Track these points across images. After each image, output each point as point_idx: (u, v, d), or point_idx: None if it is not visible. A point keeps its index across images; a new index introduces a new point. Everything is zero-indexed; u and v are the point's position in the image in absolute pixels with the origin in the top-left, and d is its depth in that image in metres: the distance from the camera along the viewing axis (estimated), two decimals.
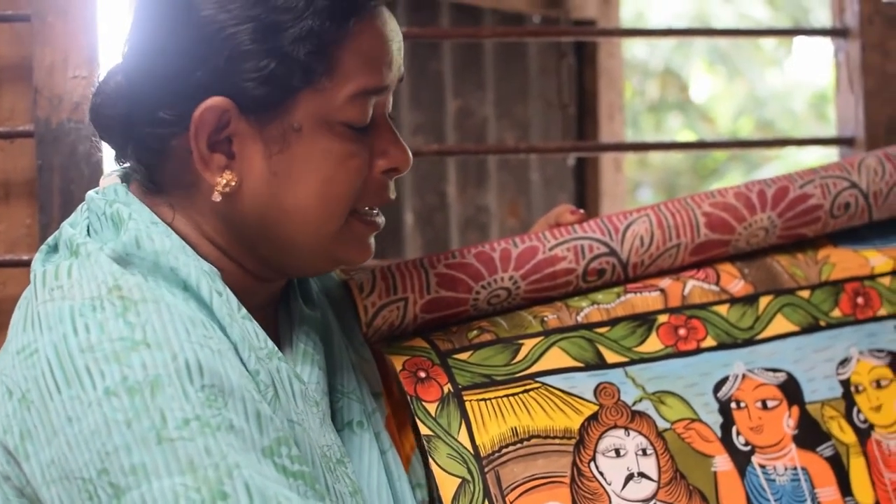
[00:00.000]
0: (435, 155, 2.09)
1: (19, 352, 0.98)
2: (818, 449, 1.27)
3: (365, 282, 1.24)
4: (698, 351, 1.29)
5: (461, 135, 3.31)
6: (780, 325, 1.32)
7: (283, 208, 1.06)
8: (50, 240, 1.10)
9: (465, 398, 1.20)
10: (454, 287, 1.26)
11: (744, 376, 1.29)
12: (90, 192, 1.11)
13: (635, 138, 7.21)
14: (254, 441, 0.94)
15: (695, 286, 1.34)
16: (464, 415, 1.19)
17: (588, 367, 1.25)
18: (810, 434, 1.28)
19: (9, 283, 1.62)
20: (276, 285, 1.15)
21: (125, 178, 1.12)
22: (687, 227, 1.33)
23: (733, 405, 1.27)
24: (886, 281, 1.38)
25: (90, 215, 1.09)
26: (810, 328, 1.33)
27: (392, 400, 1.25)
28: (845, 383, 1.31)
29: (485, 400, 1.21)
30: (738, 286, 1.34)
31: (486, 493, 1.15)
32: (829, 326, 1.34)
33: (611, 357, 1.27)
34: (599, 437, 1.21)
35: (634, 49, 7.60)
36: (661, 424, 1.23)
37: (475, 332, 1.26)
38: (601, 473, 1.19)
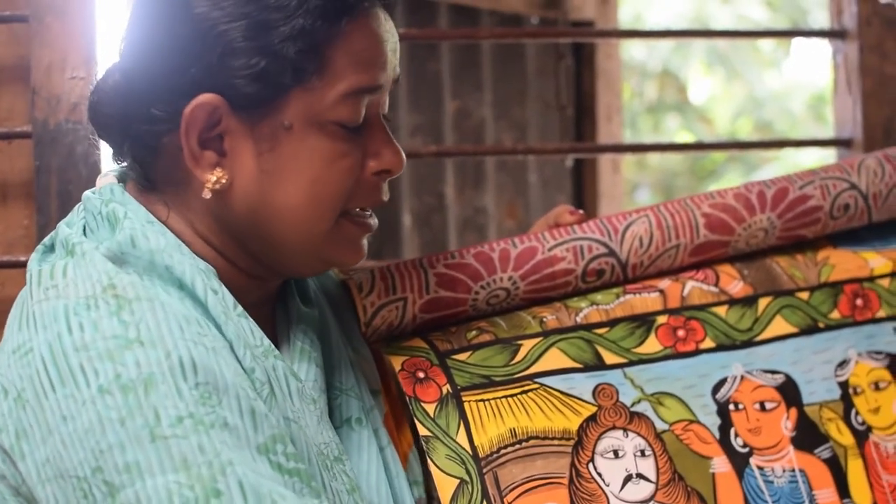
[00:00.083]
0: (433, 156, 2.09)
1: (14, 351, 0.98)
2: (816, 451, 1.27)
3: (364, 281, 1.24)
4: (697, 352, 1.29)
5: (459, 136, 3.31)
6: (779, 326, 1.32)
7: (273, 206, 1.06)
8: (46, 240, 1.10)
9: (463, 399, 1.20)
10: (453, 287, 1.26)
11: (742, 378, 1.29)
12: (86, 192, 1.11)
13: (633, 139, 7.20)
14: (248, 438, 0.95)
15: (694, 287, 1.34)
16: (462, 415, 1.19)
17: (587, 368, 1.25)
18: (808, 436, 1.28)
19: (7, 284, 1.62)
20: (272, 284, 1.16)
21: (122, 178, 1.13)
22: (686, 228, 1.33)
23: (731, 407, 1.27)
24: (885, 283, 1.38)
25: (86, 215, 1.09)
26: (809, 330, 1.33)
27: (390, 397, 1.25)
28: (844, 385, 1.31)
29: (483, 401, 1.21)
30: (737, 287, 1.34)
31: (485, 494, 1.15)
32: (828, 328, 1.34)
33: (609, 358, 1.26)
34: (598, 438, 1.21)
35: (632, 50, 7.60)
36: (660, 426, 1.23)
37: (474, 333, 1.26)
38: (599, 474, 1.19)
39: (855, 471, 1.27)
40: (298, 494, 0.95)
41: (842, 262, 1.39)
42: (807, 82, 8.02)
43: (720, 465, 1.23)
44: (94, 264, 1.02)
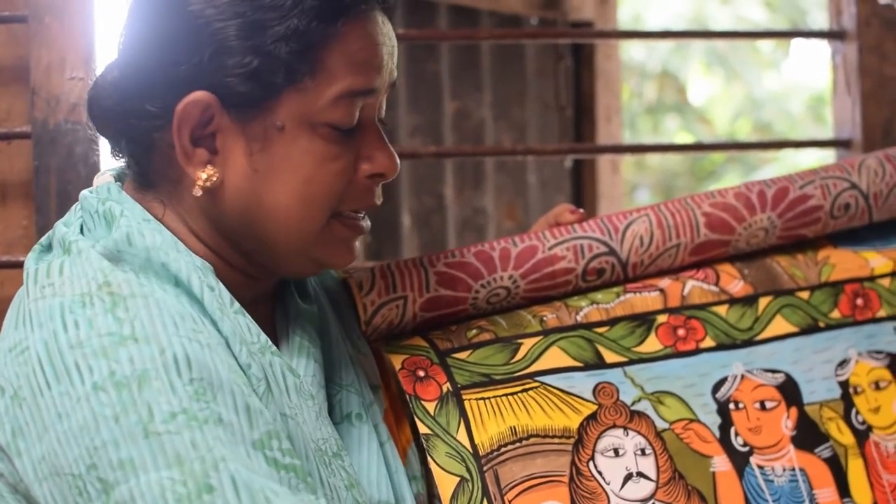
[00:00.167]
0: (432, 156, 2.09)
1: (11, 349, 0.98)
2: (816, 450, 1.27)
3: (364, 280, 1.24)
4: (697, 351, 1.29)
5: (458, 136, 3.31)
6: (780, 325, 1.32)
7: (263, 206, 1.06)
8: (43, 239, 1.10)
9: (463, 397, 1.20)
10: (453, 286, 1.26)
11: (742, 377, 1.29)
12: (84, 192, 1.11)
13: (633, 140, 7.20)
14: (243, 434, 0.95)
15: (694, 286, 1.34)
16: (463, 414, 1.19)
17: (587, 367, 1.25)
18: (809, 435, 1.28)
19: (6, 284, 1.62)
20: (268, 282, 1.16)
21: (119, 177, 1.13)
22: (687, 227, 1.33)
23: (732, 406, 1.27)
24: (886, 282, 1.38)
25: (83, 214, 1.09)
26: (809, 329, 1.33)
27: (389, 393, 1.25)
28: (844, 384, 1.31)
29: (484, 399, 1.21)
30: (737, 287, 1.34)
31: (485, 492, 1.15)
32: (829, 327, 1.34)
33: (610, 357, 1.26)
34: (598, 437, 1.21)
35: (632, 51, 7.60)
36: (660, 424, 1.23)
37: (474, 332, 1.26)
38: (600, 473, 1.19)
39: (855, 470, 1.27)
40: (294, 490, 0.95)
41: (842, 262, 1.39)
42: (806, 83, 8.02)
43: (720, 463, 1.23)
44: (90, 262, 1.02)
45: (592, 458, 1.19)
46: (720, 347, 1.30)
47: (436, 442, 1.18)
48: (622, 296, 1.32)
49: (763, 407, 1.28)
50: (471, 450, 1.18)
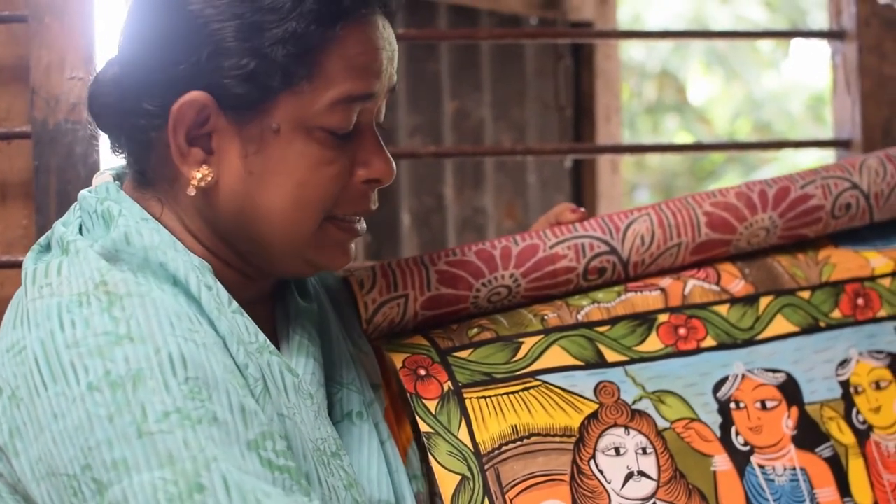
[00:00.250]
0: (432, 156, 2.09)
1: (9, 349, 0.98)
2: (817, 450, 1.27)
3: (365, 278, 1.24)
4: (698, 351, 1.29)
5: (458, 136, 3.31)
6: (780, 325, 1.32)
7: (257, 208, 1.06)
8: (42, 239, 1.10)
9: (465, 396, 1.20)
10: (455, 284, 1.26)
11: (743, 376, 1.29)
12: (83, 191, 1.11)
13: (632, 140, 7.20)
14: (238, 434, 0.94)
15: (695, 286, 1.34)
16: (464, 412, 1.19)
17: (588, 366, 1.25)
18: (809, 435, 1.28)
19: (6, 284, 1.61)
20: (267, 282, 1.15)
21: (119, 176, 1.13)
22: (688, 227, 1.33)
23: (732, 405, 1.27)
24: (887, 282, 1.38)
25: (82, 213, 1.09)
26: (810, 329, 1.33)
27: (390, 391, 1.25)
28: (845, 384, 1.31)
29: (485, 398, 1.21)
30: (738, 286, 1.34)
31: (486, 491, 1.15)
32: (829, 327, 1.34)
33: (611, 356, 1.27)
34: (599, 436, 1.21)
35: (631, 51, 7.60)
36: (661, 423, 1.23)
37: (475, 330, 1.26)
38: (601, 472, 1.19)
39: (856, 470, 1.27)
40: (287, 492, 0.95)
41: (843, 262, 1.39)
42: (806, 83, 8.02)
43: (721, 463, 1.23)
44: (88, 262, 1.02)
45: (593, 456, 1.19)
46: (721, 347, 1.30)
47: (437, 440, 1.18)
48: (623, 295, 1.32)
49: (764, 406, 1.28)
50: (472, 448, 1.18)
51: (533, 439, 1.19)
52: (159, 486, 0.90)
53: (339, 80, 1.04)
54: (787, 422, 1.28)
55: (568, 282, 1.31)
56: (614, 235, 1.31)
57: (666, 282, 1.34)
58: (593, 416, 1.22)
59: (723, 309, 1.32)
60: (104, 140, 1.13)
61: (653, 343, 1.29)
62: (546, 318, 1.28)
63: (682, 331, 1.30)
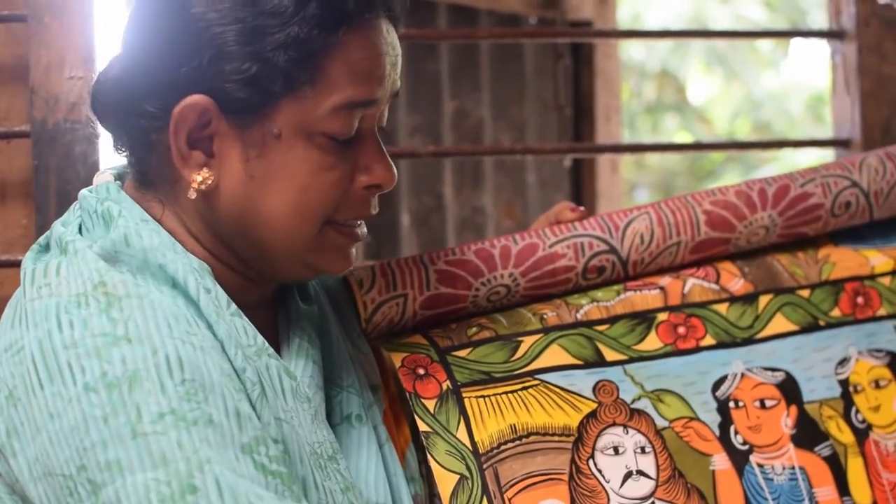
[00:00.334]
0: (431, 156, 2.09)
1: (7, 349, 0.98)
2: (816, 448, 1.27)
3: (364, 278, 1.24)
4: (697, 349, 1.29)
5: (458, 136, 3.30)
6: (780, 324, 1.32)
7: (257, 212, 1.06)
8: (42, 239, 1.10)
9: (463, 395, 1.20)
10: (454, 284, 1.26)
11: (742, 375, 1.29)
12: (83, 191, 1.11)
13: (632, 140, 7.20)
14: (233, 437, 0.95)
15: (695, 284, 1.34)
16: (462, 412, 1.19)
17: (587, 365, 1.25)
18: (808, 434, 1.28)
19: (5, 284, 1.61)
20: (268, 286, 1.15)
21: (120, 176, 1.13)
22: (687, 225, 1.33)
23: (732, 404, 1.27)
24: (886, 281, 1.38)
25: (82, 213, 1.09)
26: (810, 328, 1.33)
27: (389, 393, 1.25)
28: (844, 383, 1.31)
29: (484, 397, 1.21)
30: (737, 285, 1.34)
31: (485, 490, 1.15)
32: (829, 326, 1.34)
33: (610, 355, 1.27)
34: (598, 435, 1.21)
35: (631, 50, 7.60)
36: (660, 423, 1.23)
37: (474, 329, 1.26)
38: (600, 471, 1.19)
39: (855, 469, 1.27)
40: (280, 496, 0.95)
41: (843, 260, 1.39)
42: (805, 83, 8.02)
43: (720, 462, 1.23)
44: (87, 262, 1.02)
45: (592, 456, 1.19)
46: (720, 346, 1.30)
47: (436, 440, 1.18)
48: (622, 294, 1.32)
49: (763, 405, 1.28)
50: (471, 448, 1.18)
51: (532, 438, 1.19)
52: (152, 487, 0.90)
53: (342, 85, 1.04)
54: (786, 421, 1.28)
55: (567, 281, 1.31)
56: (613, 234, 1.31)
57: (665, 280, 1.34)
58: (592, 415, 1.22)
59: (722, 308, 1.32)
60: (104, 139, 1.13)
61: (652, 342, 1.29)
62: (545, 317, 1.28)
63: (681, 329, 1.30)
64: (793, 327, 1.33)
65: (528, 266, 1.28)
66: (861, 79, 1.85)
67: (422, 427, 1.18)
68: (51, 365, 0.94)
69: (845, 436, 1.29)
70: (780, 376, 1.29)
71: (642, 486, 1.19)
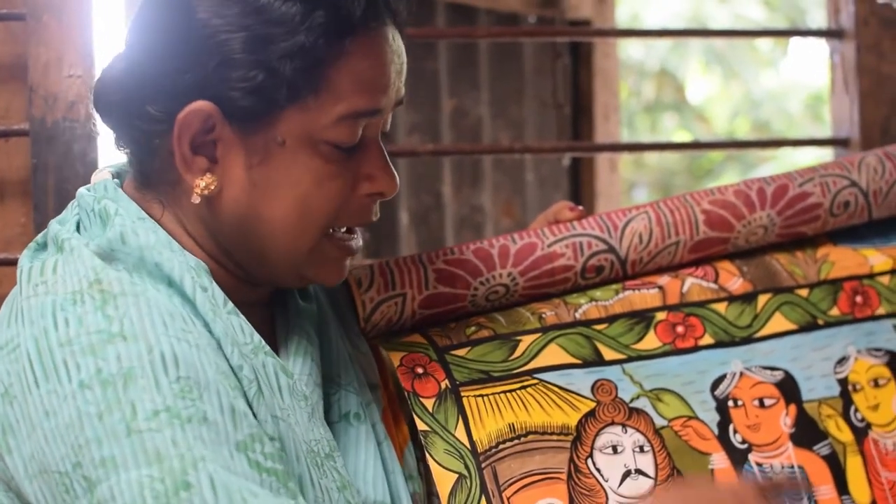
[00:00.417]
0: (430, 155, 2.09)
1: (2, 347, 0.99)
2: (815, 447, 1.27)
3: (363, 277, 1.24)
4: (696, 349, 1.29)
5: (456, 134, 3.30)
6: (779, 323, 1.33)
7: (259, 219, 1.05)
8: (39, 237, 1.10)
9: (462, 394, 1.20)
10: (452, 283, 1.26)
11: (741, 374, 1.29)
12: (81, 189, 1.11)
13: (631, 139, 7.20)
14: (227, 434, 0.95)
15: (693, 284, 1.34)
16: (461, 411, 1.19)
17: (586, 364, 1.25)
18: (807, 432, 1.28)
19: (4, 282, 1.61)
20: (264, 288, 1.15)
21: (118, 174, 1.13)
22: (686, 225, 1.33)
23: (730, 403, 1.27)
24: (885, 280, 1.38)
25: (80, 212, 1.09)
26: (808, 327, 1.33)
27: (387, 392, 1.25)
28: (843, 382, 1.31)
29: (482, 396, 1.21)
30: (736, 284, 1.34)
31: (483, 489, 1.15)
32: (828, 325, 1.34)
33: (608, 354, 1.27)
34: (597, 434, 1.21)
35: (630, 49, 7.59)
36: (659, 422, 1.23)
37: (473, 329, 1.26)
38: (598, 470, 1.19)
39: (854, 468, 1.27)
40: (275, 493, 0.95)
41: (841, 260, 1.39)
42: (804, 82, 8.01)
43: (719, 461, 1.23)
44: (83, 260, 1.02)
45: (591, 455, 1.19)
46: (719, 345, 1.30)
47: (434, 439, 1.18)
48: (621, 293, 1.32)
49: (762, 404, 1.28)
50: (469, 447, 1.18)
51: (530, 437, 1.19)
52: (146, 484, 0.90)
53: (347, 95, 1.03)
54: (785, 420, 1.28)
55: (566, 280, 1.31)
56: (612, 234, 1.31)
57: (664, 280, 1.34)
58: (591, 414, 1.22)
59: (721, 307, 1.32)
60: (103, 138, 1.13)
61: (650, 341, 1.29)
62: (544, 316, 1.28)
63: (679, 329, 1.30)
64: (791, 326, 1.33)
65: (527, 265, 1.28)
66: (860, 78, 1.85)
67: (420, 426, 1.18)
68: (46, 362, 0.95)
69: (844, 435, 1.29)
70: (778, 375, 1.30)
71: (641, 485, 1.19)
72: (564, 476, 1.17)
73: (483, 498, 1.15)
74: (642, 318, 1.30)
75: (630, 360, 1.27)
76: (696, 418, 1.25)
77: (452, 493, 1.15)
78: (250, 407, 1.00)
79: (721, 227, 1.34)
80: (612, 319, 1.30)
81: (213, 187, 1.04)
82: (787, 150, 5.85)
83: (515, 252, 1.28)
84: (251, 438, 0.96)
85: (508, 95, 3.43)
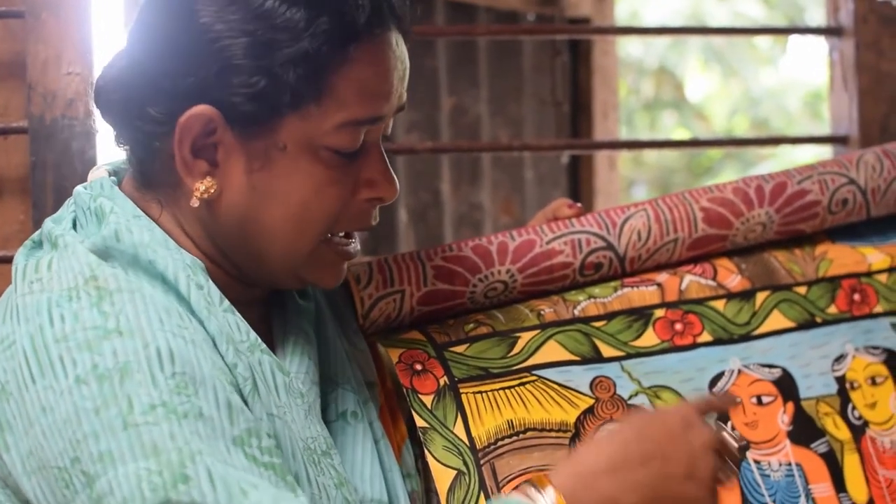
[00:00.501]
0: (429, 152, 2.09)
1: None
2: (812, 445, 1.27)
3: (362, 273, 1.24)
4: (694, 346, 1.29)
5: (455, 132, 3.30)
6: (777, 320, 1.33)
7: (258, 223, 1.05)
8: (35, 235, 1.10)
9: (461, 391, 1.20)
10: (451, 280, 1.26)
11: (739, 372, 1.29)
12: (78, 187, 1.11)
13: (630, 136, 7.19)
14: (224, 429, 0.95)
15: (692, 281, 1.34)
16: (460, 407, 1.19)
17: (584, 361, 1.25)
18: (805, 430, 1.28)
19: (1, 280, 1.61)
20: (261, 288, 1.15)
21: (115, 172, 1.13)
22: (684, 222, 1.33)
23: None
24: (883, 278, 1.38)
25: (76, 209, 1.09)
26: (806, 324, 1.33)
27: (385, 389, 1.25)
28: (840, 380, 1.32)
29: (481, 392, 1.21)
30: (734, 281, 1.35)
31: (482, 485, 1.15)
32: (826, 323, 1.34)
33: (607, 351, 1.27)
34: (595, 431, 1.21)
35: (629, 47, 7.58)
36: None
37: (472, 325, 1.26)
38: None
39: (851, 465, 1.28)
40: (274, 486, 0.95)
41: (840, 257, 1.39)
42: (803, 79, 8.00)
43: None
44: (78, 257, 1.02)
45: None
46: (717, 342, 1.30)
47: (433, 435, 1.18)
48: (619, 290, 1.32)
49: (760, 402, 1.28)
50: (468, 443, 1.18)
51: (529, 434, 1.19)
52: (144, 477, 0.90)
53: (349, 102, 1.03)
54: (782, 417, 1.28)
55: (564, 277, 1.31)
56: (611, 231, 1.31)
57: (662, 277, 1.34)
58: (589, 411, 1.22)
59: (719, 304, 1.33)
60: (101, 135, 1.13)
61: (649, 338, 1.29)
62: (542, 313, 1.28)
63: (678, 326, 1.30)
64: (790, 324, 1.33)
65: (526, 262, 1.28)
66: (859, 75, 1.85)
67: (419, 423, 1.18)
68: (42, 359, 0.95)
69: (842, 432, 1.29)
70: (776, 373, 1.30)
71: None
72: None
73: (482, 494, 1.15)
74: (641, 316, 1.30)
75: (629, 357, 1.27)
76: None
77: (451, 490, 1.15)
78: (246, 404, 1.00)
79: (719, 225, 1.34)
80: (610, 316, 1.30)
81: (212, 191, 1.04)
82: (785, 147, 5.85)
83: (514, 249, 1.28)
84: (247, 433, 0.96)
85: (507, 93, 3.43)
